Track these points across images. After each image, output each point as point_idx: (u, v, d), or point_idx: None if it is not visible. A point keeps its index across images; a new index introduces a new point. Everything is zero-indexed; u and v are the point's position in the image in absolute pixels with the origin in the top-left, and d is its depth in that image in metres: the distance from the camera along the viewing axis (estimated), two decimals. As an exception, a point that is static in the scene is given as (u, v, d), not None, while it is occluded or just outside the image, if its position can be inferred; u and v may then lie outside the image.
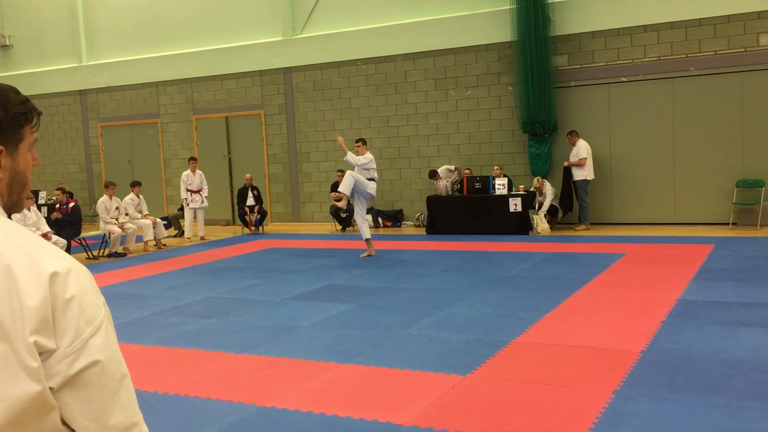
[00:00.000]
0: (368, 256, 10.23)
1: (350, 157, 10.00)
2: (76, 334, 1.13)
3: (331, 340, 5.84)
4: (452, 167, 13.41)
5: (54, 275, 1.13)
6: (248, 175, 14.39)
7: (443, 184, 12.88)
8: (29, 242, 1.17)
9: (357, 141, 10.39)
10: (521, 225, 11.99)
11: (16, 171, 1.27)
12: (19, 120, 1.26)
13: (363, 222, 10.27)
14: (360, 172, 10.07)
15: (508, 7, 12.89)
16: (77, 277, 1.16)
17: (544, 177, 12.68)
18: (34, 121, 1.30)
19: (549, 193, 12.36)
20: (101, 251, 11.91)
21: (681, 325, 5.71)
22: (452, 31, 13.56)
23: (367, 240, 10.26)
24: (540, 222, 12.11)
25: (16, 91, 1.27)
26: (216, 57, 15.81)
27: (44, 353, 1.11)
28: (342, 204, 10.62)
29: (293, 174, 15.41)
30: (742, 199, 11.67)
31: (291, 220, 15.51)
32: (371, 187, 10.10)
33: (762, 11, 11.40)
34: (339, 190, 10.01)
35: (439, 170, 13.38)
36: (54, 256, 1.16)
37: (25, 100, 1.27)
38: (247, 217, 14.14)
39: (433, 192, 13.35)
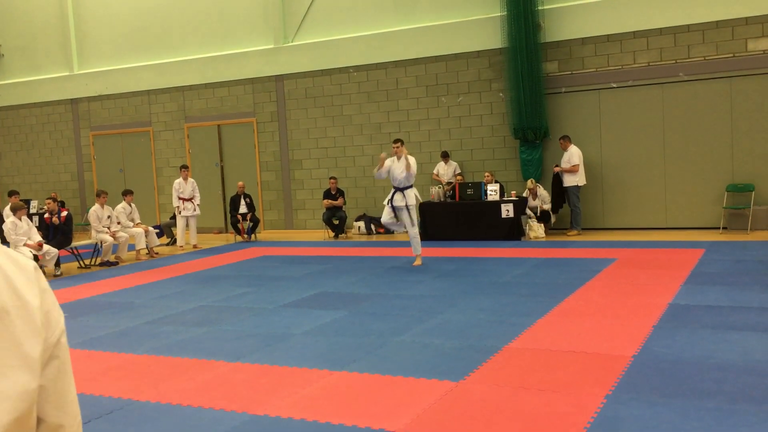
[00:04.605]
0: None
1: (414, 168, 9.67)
2: (56, 325, 1.15)
3: (324, 347, 5.84)
4: (459, 171, 13.49)
5: (36, 268, 1.15)
6: (240, 183, 14.38)
7: (436, 191, 12.91)
8: None
9: (397, 141, 9.83)
10: (513, 231, 12.02)
11: None
12: None
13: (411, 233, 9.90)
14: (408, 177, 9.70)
15: (499, 14, 12.95)
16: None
17: (536, 182, 12.72)
18: None
19: (544, 196, 12.44)
20: (93, 260, 11.88)
21: (672, 330, 5.73)
22: (443, 38, 13.61)
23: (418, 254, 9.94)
24: (536, 228, 12.11)
25: None
26: (208, 65, 15.82)
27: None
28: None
29: (285, 181, 15.41)
30: (733, 204, 11.73)
31: (284, 227, 15.51)
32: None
33: (750, 17, 11.50)
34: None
35: (448, 164, 13.57)
36: (20, 253, 1.16)
37: None
38: (239, 225, 14.12)
39: (425, 198, 13.37)
